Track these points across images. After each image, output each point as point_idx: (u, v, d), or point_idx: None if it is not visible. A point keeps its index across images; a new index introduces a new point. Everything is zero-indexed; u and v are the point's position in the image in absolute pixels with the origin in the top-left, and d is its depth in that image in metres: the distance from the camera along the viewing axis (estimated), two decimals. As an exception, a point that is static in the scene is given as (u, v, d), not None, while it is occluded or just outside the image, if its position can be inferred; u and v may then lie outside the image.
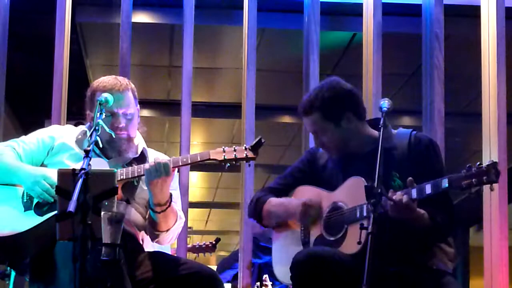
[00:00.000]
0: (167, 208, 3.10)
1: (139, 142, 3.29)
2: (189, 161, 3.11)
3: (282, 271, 3.22)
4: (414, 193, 2.81)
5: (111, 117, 3.12)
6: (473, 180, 2.69)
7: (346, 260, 2.89)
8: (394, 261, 2.94)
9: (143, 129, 3.35)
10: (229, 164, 3.11)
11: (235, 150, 3.11)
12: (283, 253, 3.27)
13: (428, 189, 2.79)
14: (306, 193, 3.22)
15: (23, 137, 3.23)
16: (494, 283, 4.12)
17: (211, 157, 3.11)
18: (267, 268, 5.08)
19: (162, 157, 3.33)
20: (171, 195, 3.12)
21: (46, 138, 3.20)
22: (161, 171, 3.00)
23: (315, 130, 3.13)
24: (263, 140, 3.12)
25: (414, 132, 3.14)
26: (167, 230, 3.17)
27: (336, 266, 2.85)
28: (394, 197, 2.79)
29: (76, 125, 3.37)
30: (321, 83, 3.18)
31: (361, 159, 3.07)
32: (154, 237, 3.20)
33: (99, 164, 3.05)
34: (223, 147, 3.12)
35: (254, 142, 3.13)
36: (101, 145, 3.16)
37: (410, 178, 2.84)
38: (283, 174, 3.38)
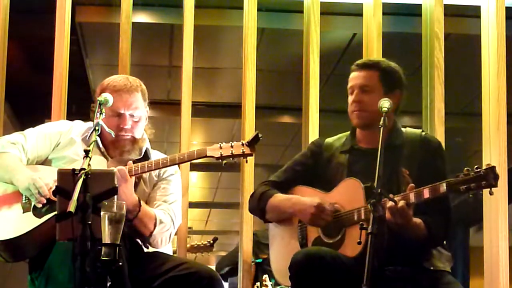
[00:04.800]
0: (137, 213, 3.07)
1: (144, 143, 3.28)
2: (186, 158, 3.11)
3: (281, 272, 3.22)
4: (412, 197, 2.81)
5: (117, 117, 3.12)
6: (472, 184, 2.69)
7: (345, 260, 2.89)
8: (392, 261, 2.94)
9: (151, 131, 3.34)
10: (226, 161, 3.10)
11: (232, 146, 3.11)
12: (281, 253, 3.26)
13: (426, 193, 2.79)
14: (304, 194, 3.20)
15: (30, 131, 3.23)
16: (494, 283, 4.11)
17: (208, 154, 3.11)
18: (263, 267, 5.05)
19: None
20: (139, 200, 3.09)
21: (53, 133, 3.22)
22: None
23: (363, 86, 3.15)
24: (260, 135, 3.11)
25: (424, 132, 3.18)
26: (150, 234, 3.14)
27: (335, 266, 2.85)
28: (392, 199, 2.79)
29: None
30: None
31: (370, 155, 3.03)
32: (145, 243, 3.18)
33: (99, 162, 3.05)
34: (220, 143, 3.12)
35: (251, 137, 3.12)
36: (101, 145, 3.16)
37: (412, 184, 2.84)
38: (284, 167, 3.36)
